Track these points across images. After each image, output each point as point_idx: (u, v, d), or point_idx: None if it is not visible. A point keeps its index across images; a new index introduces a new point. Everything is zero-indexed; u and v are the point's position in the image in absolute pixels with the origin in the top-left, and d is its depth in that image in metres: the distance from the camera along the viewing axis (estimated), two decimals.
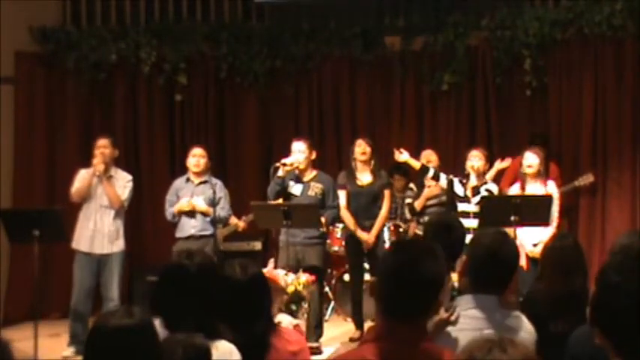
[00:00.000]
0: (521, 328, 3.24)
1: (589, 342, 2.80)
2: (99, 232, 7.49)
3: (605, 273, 2.47)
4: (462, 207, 7.52)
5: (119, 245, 7.63)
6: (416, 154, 8.45)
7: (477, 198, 7.51)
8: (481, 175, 7.67)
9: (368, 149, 7.88)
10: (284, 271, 5.35)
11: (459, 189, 7.67)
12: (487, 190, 7.63)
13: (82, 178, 7.59)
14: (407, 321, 2.62)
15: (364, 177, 7.92)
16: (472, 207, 7.45)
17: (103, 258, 7.55)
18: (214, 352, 3.11)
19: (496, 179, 8.32)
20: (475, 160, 7.63)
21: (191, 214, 7.67)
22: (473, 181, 7.57)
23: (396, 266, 2.66)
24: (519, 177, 7.64)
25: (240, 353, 3.30)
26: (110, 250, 7.56)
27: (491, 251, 3.26)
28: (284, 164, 7.42)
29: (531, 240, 7.33)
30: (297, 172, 7.54)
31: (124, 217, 7.76)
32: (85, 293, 7.50)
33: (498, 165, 8.25)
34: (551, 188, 7.52)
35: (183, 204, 7.67)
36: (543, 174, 7.55)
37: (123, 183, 7.67)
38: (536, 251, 7.25)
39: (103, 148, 7.58)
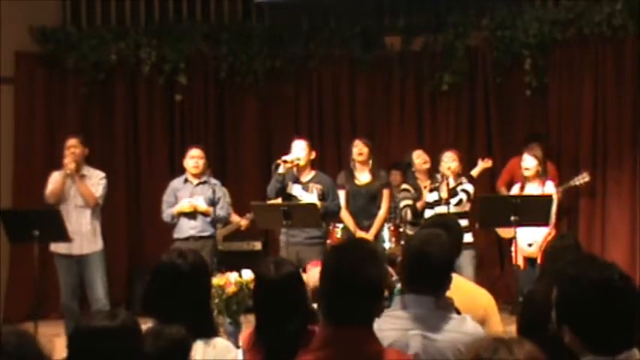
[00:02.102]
0: (453, 328, 3.15)
1: None
2: (76, 233, 7.41)
3: (563, 270, 2.51)
4: (438, 209, 7.53)
5: (98, 244, 7.61)
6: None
7: (456, 199, 7.54)
8: (456, 175, 7.70)
9: (365, 149, 7.90)
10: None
11: (430, 196, 7.72)
12: (463, 190, 7.65)
13: (54, 180, 7.57)
14: (349, 324, 2.60)
15: (363, 177, 7.93)
16: (452, 208, 7.45)
17: (83, 258, 7.52)
18: (211, 351, 3.12)
19: (480, 178, 8.33)
20: (449, 161, 7.67)
21: (191, 215, 7.65)
22: (451, 182, 7.59)
23: (336, 270, 2.65)
24: (520, 178, 7.67)
25: (275, 351, 3.32)
26: (89, 249, 7.54)
27: (419, 252, 3.23)
28: (285, 161, 7.42)
29: (526, 240, 7.35)
30: (295, 171, 7.54)
31: (101, 215, 7.74)
32: (71, 292, 7.52)
33: (482, 164, 8.25)
34: (549, 189, 7.53)
35: (185, 205, 7.63)
36: (542, 174, 7.56)
37: (96, 180, 7.63)
38: (531, 251, 7.28)
39: (72, 147, 7.54)
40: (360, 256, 2.66)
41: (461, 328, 3.17)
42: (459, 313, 3.31)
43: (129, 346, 2.52)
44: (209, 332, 3.18)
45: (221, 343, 3.20)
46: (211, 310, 3.41)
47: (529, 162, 7.52)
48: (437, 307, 3.19)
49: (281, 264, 3.55)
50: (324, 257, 2.75)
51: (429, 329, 3.12)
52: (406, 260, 3.29)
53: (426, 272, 3.20)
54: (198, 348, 3.01)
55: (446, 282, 3.28)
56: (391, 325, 3.14)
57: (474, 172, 8.16)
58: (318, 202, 7.39)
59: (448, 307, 3.24)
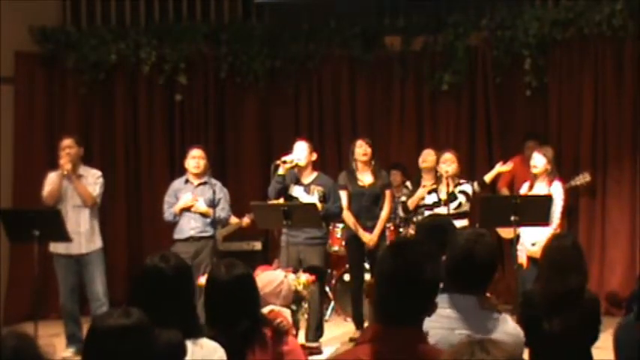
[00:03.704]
0: (497, 329, 3.19)
1: (635, 331, 2.86)
2: (75, 232, 7.41)
3: None
4: (438, 211, 7.50)
5: (96, 243, 7.64)
6: (416, 154, 8.45)
7: (455, 203, 7.53)
8: (453, 178, 7.67)
9: (369, 150, 7.90)
10: (283, 273, 5.25)
11: (429, 198, 7.72)
12: (462, 192, 7.63)
13: (51, 180, 7.57)
14: (403, 323, 2.62)
15: (365, 177, 7.92)
16: (451, 209, 7.44)
17: (82, 258, 7.54)
18: (199, 351, 3.13)
19: (494, 181, 8.32)
20: (448, 163, 7.63)
21: (190, 209, 7.65)
22: (450, 186, 7.57)
23: (395, 269, 2.65)
24: (522, 178, 7.64)
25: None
26: (88, 249, 7.56)
27: (467, 252, 3.25)
28: (284, 162, 7.42)
29: (530, 239, 7.34)
30: (296, 171, 7.54)
31: (99, 214, 7.76)
32: (70, 292, 7.54)
33: (499, 168, 8.18)
34: (556, 189, 7.50)
35: (187, 201, 7.63)
36: (552, 174, 7.51)
37: (93, 180, 7.64)
38: (535, 250, 7.26)
39: (68, 148, 7.56)
40: (417, 257, 2.66)
41: (504, 329, 3.20)
42: (499, 312, 3.34)
43: (144, 344, 2.54)
44: (195, 333, 3.19)
45: (207, 343, 3.22)
46: (197, 311, 3.42)
47: (538, 160, 7.45)
48: (482, 307, 3.22)
49: (233, 266, 3.55)
50: (380, 257, 2.75)
51: (474, 329, 3.14)
52: (451, 260, 3.30)
53: (472, 273, 3.25)
54: (187, 348, 3.02)
55: (489, 282, 3.31)
56: (437, 323, 3.16)
57: (487, 177, 8.02)
58: (319, 204, 7.39)
59: (492, 308, 3.27)
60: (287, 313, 3.98)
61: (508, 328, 3.23)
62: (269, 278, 4.16)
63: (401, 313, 2.63)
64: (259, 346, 3.47)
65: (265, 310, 3.81)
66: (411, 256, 2.67)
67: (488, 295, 3.36)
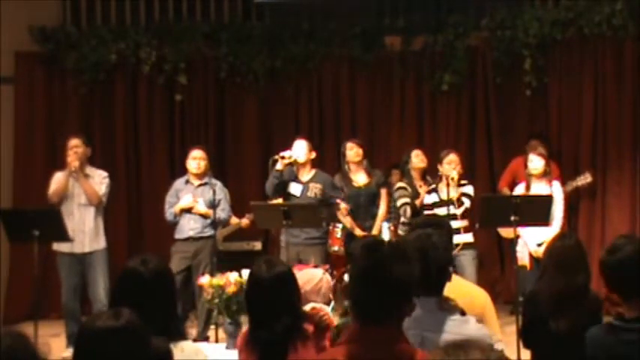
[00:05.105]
0: (452, 330, 3.14)
1: (604, 339, 2.88)
2: (79, 231, 7.45)
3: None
4: (438, 211, 7.47)
5: (101, 243, 7.65)
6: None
7: (462, 209, 7.49)
8: (458, 181, 7.65)
9: (361, 150, 7.95)
10: (321, 270, 5.08)
11: (429, 197, 7.68)
12: (464, 194, 7.59)
13: (57, 179, 7.59)
14: (378, 323, 2.63)
15: (359, 178, 7.95)
16: (452, 209, 7.41)
17: (86, 257, 7.55)
18: (180, 354, 3.12)
19: (494, 182, 8.31)
20: (454, 166, 7.57)
21: (190, 210, 7.65)
22: (452, 192, 7.52)
23: (366, 269, 2.68)
24: (525, 177, 7.63)
25: (265, 350, 3.36)
26: (92, 248, 7.57)
27: (420, 254, 3.21)
28: (282, 157, 7.44)
29: (536, 240, 7.32)
30: (295, 168, 7.55)
31: (104, 214, 7.78)
32: (72, 291, 7.54)
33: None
34: (557, 188, 7.51)
35: (187, 202, 7.63)
36: (549, 174, 7.52)
37: (99, 180, 7.67)
38: (541, 251, 7.25)
39: (75, 147, 7.57)
40: (390, 256, 2.67)
41: (461, 330, 3.15)
42: (464, 314, 3.31)
43: (134, 345, 2.51)
44: (175, 336, 3.17)
45: (189, 346, 3.21)
46: (177, 314, 3.42)
47: (537, 162, 7.46)
48: (439, 308, 3.21)
49: (273, 263, 3.57)
50: (354, 256, 2.76)
51: (428, 330, 3.12)
52: None
53: (427, 273, 3.20)
54: (173, 356, 3.01)
55: (445, 282, 3.29)
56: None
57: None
58: (318, 189, 7.39)
59: (450, 309, 3.24)
60: (328, 310, 4.00)
61: (468, 329, 3.16)
62: (308, 276, 4.18)
63: (375, 313, 2.64)
64: (301, 342, 3.49)
65: (307, 307, 3.83)
66: (382, 255, 2.69)
67: (448, 296, 3.33)
